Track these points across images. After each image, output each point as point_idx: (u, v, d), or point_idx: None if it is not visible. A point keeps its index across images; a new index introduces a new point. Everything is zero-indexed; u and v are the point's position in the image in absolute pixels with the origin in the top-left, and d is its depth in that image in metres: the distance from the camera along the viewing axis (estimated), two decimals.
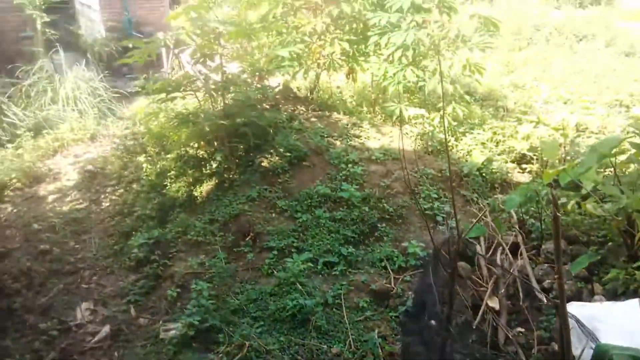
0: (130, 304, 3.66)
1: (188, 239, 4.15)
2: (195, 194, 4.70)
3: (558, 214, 1.38)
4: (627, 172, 3.99)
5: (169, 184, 4.86)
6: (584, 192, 3.89)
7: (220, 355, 3.05)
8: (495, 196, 4.58)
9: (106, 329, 3.38)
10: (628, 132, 4.17)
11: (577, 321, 1.86)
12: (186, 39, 4.87)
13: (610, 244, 3.59)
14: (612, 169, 3.74)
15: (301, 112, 6.01)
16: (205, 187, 4.78)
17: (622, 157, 3.77)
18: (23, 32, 9.05)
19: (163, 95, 4.86)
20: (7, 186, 4.93)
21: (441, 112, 5.51)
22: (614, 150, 3.74)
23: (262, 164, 4.83)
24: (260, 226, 4.17)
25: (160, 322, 3.44)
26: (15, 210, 4.70)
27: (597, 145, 3.87)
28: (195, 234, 4.17)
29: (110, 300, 3.72)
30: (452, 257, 1.65)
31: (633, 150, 3.48)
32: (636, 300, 2.85)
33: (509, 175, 5.19)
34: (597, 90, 7.73)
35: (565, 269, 3.47)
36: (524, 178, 5.28)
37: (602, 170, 4.12)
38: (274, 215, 4.33)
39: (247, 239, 4.12)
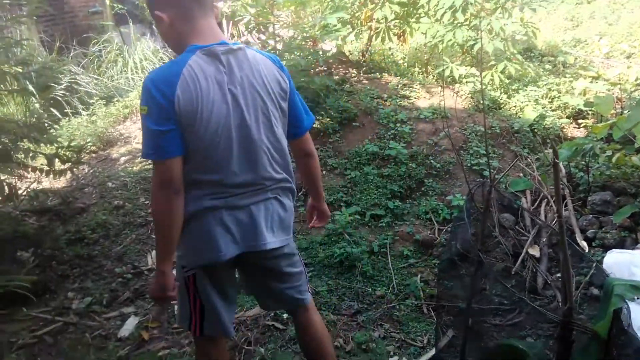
0: None
1: None
2: None
3: (557, 160, 1.49)
4: None
5: None
6: (636, 145, 3.84)
7: None
8: (546, 151, 4.57)
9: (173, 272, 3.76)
10: None
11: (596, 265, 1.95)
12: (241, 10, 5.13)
13: None
14: None
15: (353, 75, 6.14)
16: None
17: None
18: (92, 8, 9.63)
19: None
20: (83, 149, 5.44)
21: (492, 70, 5.48)
22: None
23: (314, 125, 5.04)
24: None
25: None
26: (91, 171, 5.21)
27: None
28: None
29: None
30: (487, 193, 1.80)
31: None
32: None
33: (563, 130, 5.13)
34: None
35: (609, 219, 3.50)
36: (580, 133, 5.20)
37: None
38: (324, 172, 4.55)
39: (299, 194, 4.37)
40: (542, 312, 1.71)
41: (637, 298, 1.68)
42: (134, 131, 6.04)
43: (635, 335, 1.89)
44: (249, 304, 3.29)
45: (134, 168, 5.21)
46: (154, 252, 4.01)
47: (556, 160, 1.49)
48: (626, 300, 1.79)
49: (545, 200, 3.78)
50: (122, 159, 5.44)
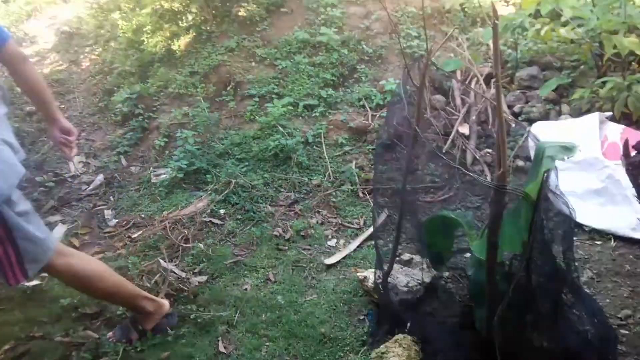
0: (121, 154, 3.83)
1: (170, 92, 4.21)
2: (174, 48, 4.64)
3: (496, 19, 1.41)
4: None
5: (146, 40, 4.78)
6: (563, 19, 3.85)
7: (209, 192, 3.28)
8: (476, 30, 4.53)
9: (100, 177, 3.59)
10: None
11: (529, 133, 1.97)
12: None
13: (582, 67, 3.64)
14: None
15: None
16: (183, 40, 4.71)
17: None
18: None
19: None
20: None
21: None
22: None
23: (240, 13, 4.71)
24: (240, 75, 4.19)
25: (151, 169, 3.64)
26: None
27: None
28: (177, 86, 4.21)
29: (100, 152, 3.89)
30: (423, 66, 1.72)
31: None
32: (595, 114, 2.98)
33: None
34: None
35: (535, 94, 3.57)
36: (509, 11, 5.15)
37: None
38: (253, 64, 4.33)
39: (228, 88, 4.17)
40: (477, 181, 1.73)
41: (568, 157, 1.70)
42: (40, 29, 5.45)
43: (561, 195, 1.97)
44: (184, 202, 3.21)
45: (45, 70, 4.76)
46: (75, 158, 3.77)
47: (496, 21, 1.42)
48: (556, 161, 1.83)
49: (475, 79, 3.79)
50: (30, 61, 4.93)
